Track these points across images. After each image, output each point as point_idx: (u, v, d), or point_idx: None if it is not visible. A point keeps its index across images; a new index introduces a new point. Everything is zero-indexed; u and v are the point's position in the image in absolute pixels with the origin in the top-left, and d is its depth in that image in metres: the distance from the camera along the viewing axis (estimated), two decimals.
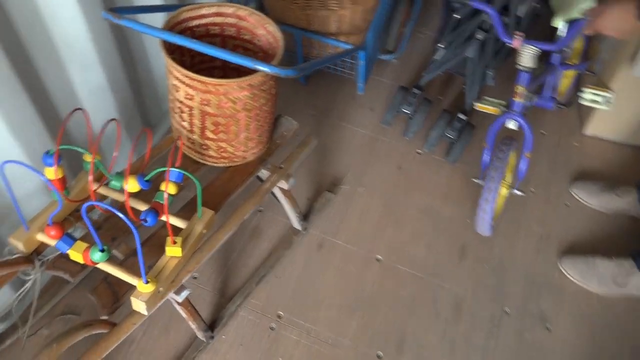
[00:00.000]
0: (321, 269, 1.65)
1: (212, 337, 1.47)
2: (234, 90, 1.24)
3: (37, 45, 1.29)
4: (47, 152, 1.16)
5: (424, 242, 1.73)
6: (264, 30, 1.40)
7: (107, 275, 1.20)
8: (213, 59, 1.48)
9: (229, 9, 1.39)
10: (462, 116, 1.86)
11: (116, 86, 1.56)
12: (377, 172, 1.89)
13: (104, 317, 1.17)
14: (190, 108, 1.30)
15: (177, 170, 1.19)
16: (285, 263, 1.66)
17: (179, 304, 1.30)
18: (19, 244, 1.20)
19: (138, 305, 1.14)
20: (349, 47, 1.77)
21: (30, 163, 1.31)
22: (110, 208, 1.00)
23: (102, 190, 1.31)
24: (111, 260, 1.16)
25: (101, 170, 1.27)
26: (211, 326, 1.49)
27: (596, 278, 1.61)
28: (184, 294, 1.27)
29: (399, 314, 1.57)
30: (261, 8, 1.93)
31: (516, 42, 1.46)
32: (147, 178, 1.20)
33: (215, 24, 1.43)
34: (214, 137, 1.36)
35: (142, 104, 1.75)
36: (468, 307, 1.58)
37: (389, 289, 1.62)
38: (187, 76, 1.23)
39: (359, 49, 1.74)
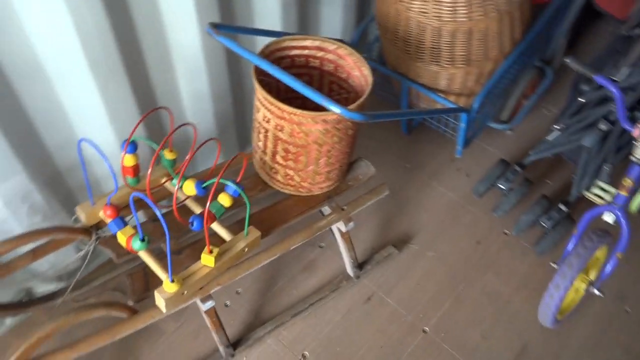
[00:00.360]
0: (362, 323, 1.58)
1: (232, 355, 1.47)
2: (308, 122, 1.26)
3: (151, 45, 1.41)
4: (125, 140, 1.26)
5: (481, 330, 1.58)
6: (359, 72, 1.40)
7: (147, 266, 1.27)
8: None
9: (331, 46, 1.42)
10: (562, 207, 1.69)
11: (218, 96, 1.65)
12: (453, 241, 1.78)
13: (130, 303, 1.22)
14: (266, 130, 1.34)
15: (233, 185, 1.23)
16: (327, 305, 1.61)
17: (205, 313, 1.33)
18: (82, 215, 1.31)
19: (159, 301, 1.18)
20: (451, 105, 1.71)
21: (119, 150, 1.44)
22: (149, 202, 1.05)
23: (169, 187, 1.39)
24: (150, 251, 1.22)
25: (169, 169, 1.36)
26: (235, 344, 1.49)
27: None
28: (209, 304, 1.29)
29: None
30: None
31: (638, 131, 1.31)
32: (204, 185, 1.25)
33: (316, 57, 1.46)
34: (283, 163, 1.38)
35: (240, 117, 1.83)
36: None
37: None
38: (266, 99, 1.27)
39: (460, 110, 1.67)
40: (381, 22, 1.74)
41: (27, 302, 1.50)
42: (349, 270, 1.64)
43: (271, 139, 1.34)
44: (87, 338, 1.16)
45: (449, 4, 1.53)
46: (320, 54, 1.45)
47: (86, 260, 1.32)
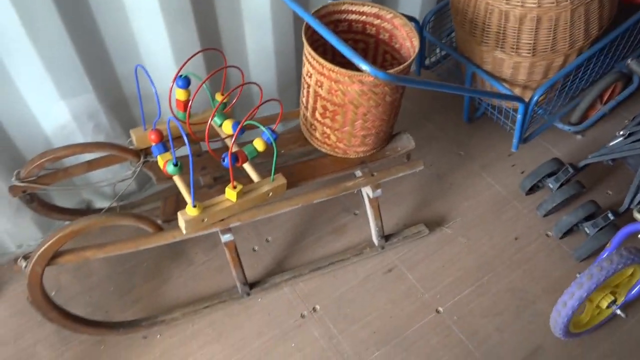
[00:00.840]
0: (377, 291, 1.61)
1: (248, 294, 1.57)
2: (345, 81, 1.30)
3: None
4: (180, 76, 1.37)
5: (497, 322, 1.54)
6: (410, 43, 1.42)
7: (180, 193, 1.38)
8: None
9: (388, 14, 1.44)
10: (611, 215, 1.60)
11: (282, 53, 1.73)
12: (489, 233, 1.74)
13: (158, 222, 1.35)
14: (309, 85, 1.40)
15: (268, 132, 1.30)
16: (348, 268, 1.66)
17: (224, 244, 1.42)
18: (134, 138, 1.45)
19: (181, 222, 1.29)
20: (508, 92, 1.66)
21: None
22: (179, 126, 1.16)
23: (215, 126, 1.49)
24: (183, 177, 1.33)
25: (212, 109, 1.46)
26: (252, 285, 1.58)
27: None
28: (227, 237, 1.38)
29: None
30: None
31: None
32: (239, 127, 1.33)
33: (372, 25, 1.49)
34: (321, 120, 1.43)
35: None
36: None
37: (431, 344, 1.50)
38: (310, 54, 1.32)
39: (516, 99, 1.62)
40: (454, 2, 1.73)
41: (84, 211, 1.70)
42: (374, 238, 1.66)
43: (312, 94, 1.40)
44: (115, 242, 1.30)
45: None
46: (377, 21, 1.48)
47: (132, 178, 1.47)
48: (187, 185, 1.31)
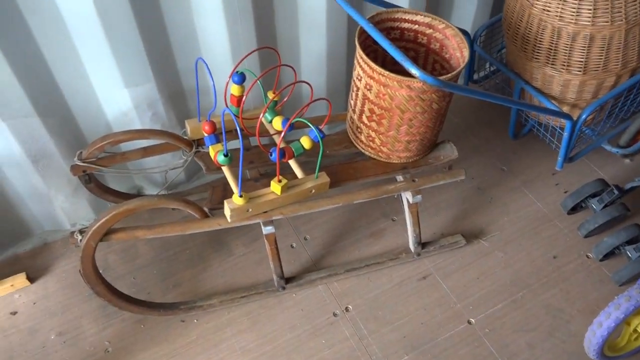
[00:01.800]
0: (410, 297, 1.62)
1: (283, 288, 1.61)
2: (394, 85, 1.34)
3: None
4: (237, 72, 1.44)
5: (529, 338, 1.54)
6: (460, 53, 1.44)
7: (228, 185, 1.45)
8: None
9: (440, 25, 1.48)
10: None
11: (333, 56, 1.78)
12: (527, 249, 1.73)
13: (205, 208, 1.41)
14: (358, 88, 1.44)
15: (316, 130, 1.34)
16: (383, 272, 1.68)
17: (265, 236, 1.47)
18: (188, 128, 1.53)
19: (227, 210, 1.35)
20: (555, 108, 1.66)
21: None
22: (234, 117, 1.22)
23: (265, 123, 1.55)
24: (232, 169, 1.40)
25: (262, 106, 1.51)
26: (288, 279, 1.63)
27: None
28: (269, 229, 1.43)
29: None
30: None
31: None
32: (289, 123, 1.38)
33: (424, 34, 1.53)
34: (367, 123, 1.47)
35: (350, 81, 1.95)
36: None
37: (460, 354, 1.51)
38: (361, 57, 1.37)
39: (563, 116, 1.61)
40: (506, 17, 1.74)
41: (135, 196, 1.78)
42: (411, 245, 1.68)
43: (360, 97, 1.45)
44: (163, 225, 1.37)
45: (573, 4, 1.50)
46: (429, 31, 1.51)
47: (184, 166, 1.54)
48: (235, 176, 1.37)
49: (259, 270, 1.70)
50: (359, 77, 1.42)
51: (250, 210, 1.36)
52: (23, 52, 1.33)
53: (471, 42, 1.84)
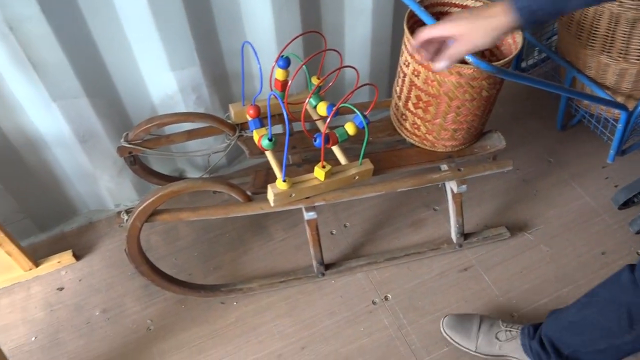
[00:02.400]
0: (450, 288, 1.60)
1: (323, 274, 1.61)
2: (443, 71, 1.30)
3: None
4: (282, 56, 1.43)
5: None
6: (512, 39, 1.40)
7: (271, 169, 1.45)
8: None
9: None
10: None
11: (378, 40, 1.75)
12: (575, 244, 1.68)
13: (248, 192, 1.41)
14: (405, 74, 1.41)
15: (361, 116, 1.32)
16: (423, 262, 1.66)
17: (306, 222, 1.47)
18: (232, 112, 1.53)
19: (270, 194, 1.34)
20: (609, 98, 1.59)
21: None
22: (283, 107, 1.21)
23: (310, 109, 1.54)
24: (275, 154, 1.39)
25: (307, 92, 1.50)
26: (328, 266, 1.62)
27: None
28: (311, 214, 1.42)
29: None
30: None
31: None
32: (335, 108, 1.36)
33: None
34: (413, 110, 1.44)
35: (394, 67, 1.90)
36: None
37: None
38: (409, 41, 1.34)
39: (618, 106, 1.55)
40: None
41: (178, 178, 1.80)
42: (453, 235, 1.65)
43: (407, 83, 1.42)
44: (207, 207, 1.38)
45: None
46: None
47: (227, 150, 1.55)
48: (279, 161, 1.36)
49: (298, 255, 1.70)
50: (406, 63, 1.39)
51: (294, 195, 1.35)
52: (74, 34, 1.35)
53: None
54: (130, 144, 1.49)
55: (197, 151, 1.69)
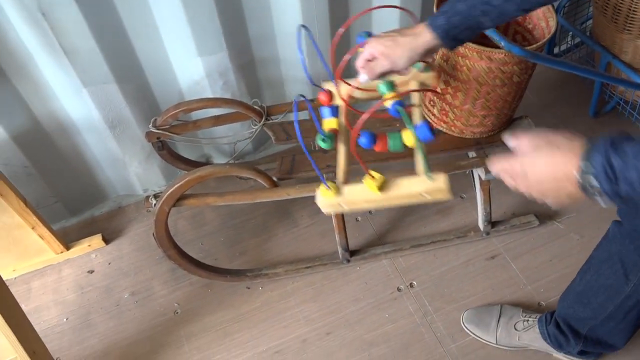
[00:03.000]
0: (477, 276, 1.58)
1: (348, 260, 1.61)
2: (473, 56, 1.28)
3: None
4: (363, 33, 1.13)
5: None
6: (545, 23, 1.36)
7: (296, 156, 1.45)
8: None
9: None
10: None
11: (406, 17, 1.73)
12: (605, 232, 1.64)
13: (274, 178, 1.42)
14: (433, 59, 1.39)
15: (425, 124, 1.06)
16: (449, 249, 1.64)
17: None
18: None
19: (318, 199, 1.07)
20: None
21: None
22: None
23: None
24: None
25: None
26: (353, 252, 1.62)
27: None
28: None
29: None
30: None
31: None
32: (397, 108, 1.07)
33: None
34: (441, 95, 1.42)
35: None
36: None
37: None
38: None
39: None
40: None
41: (205, 164, 1.81)
42: (480, 223, 1.63)
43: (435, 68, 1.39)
44: (233, 192, 1.39)
45: None
46: None
47: (253, 137, 1.55)
48: (342, 160, 1.12)
49: (323, 242, 1.70)
50: None
51: (345, 206, 1.07)
52: (104, 20, 1.37)
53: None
54: (158, 129, 1.51)
55: (224, 137, 1.70)
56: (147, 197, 1.38)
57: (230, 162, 1.75)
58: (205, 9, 1.41)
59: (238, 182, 1.84)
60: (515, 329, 1.41)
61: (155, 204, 1.35)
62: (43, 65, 1.39)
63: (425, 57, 1.03)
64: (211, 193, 1.39)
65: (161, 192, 1.36)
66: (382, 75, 1.08)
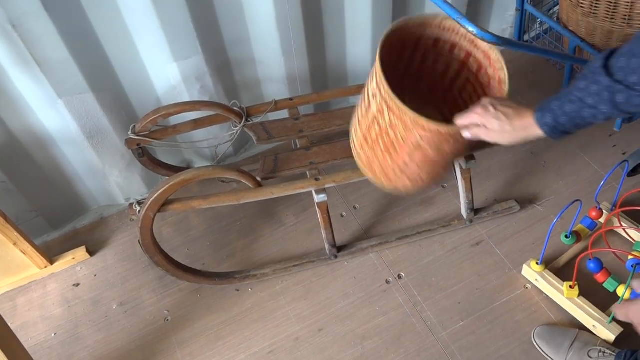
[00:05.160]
0: (463, 263, 1.60)
1: (335, 256, 1.62)
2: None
3: None
4: None
5: None
6: (498, 79, 1.20)
7: (279, 155, 1.45)
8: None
9: (484, 45, 1.20)
10: None
11: (378, 20, 1.75)
12: (585, 212, 1.68)
13: (258, 178, 1.42)
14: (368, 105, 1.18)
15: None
16: (434, 239, 1.66)
17: (317, 205, 1.47)
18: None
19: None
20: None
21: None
22: None
23: None
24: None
25: None
26: (340, 248, 1.63)
27: None
28: (322, 197, 1.42)
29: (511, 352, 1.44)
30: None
31: None
32: (634, 265, 1.41)
33: (466, 51, 1.26)
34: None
35: None
36: None
37: (517, 319, 1.48)
38: (379, 71, 1.08)
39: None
40: None
41: (185, 168, 1.81)
42: (463, 211, 1.66)
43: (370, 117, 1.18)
44: (218, 194, 1.39)
45: None
46: (472, 49, 1.24)
47: (233, 138, 1.55)
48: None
49: (310, 239, 1.70)
50: (374, 94, 1.13)
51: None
52: (76, 29, 1.36)
53: (522, 1, 1.77)
54: (137, 135, 1.50)
55: (204, 140, 1.69)
56: (131, 204, 1.37)
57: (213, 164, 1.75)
58: (178, 14, 1.41)
59: (220, 186, 1.83)
60: (589, 357, 1.35)
61: (139, 211, 1.34)
62: (15, 78, 1.38)
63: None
64: (196, 196, 1.39)
65: (145, 199, 1.35)
66: None
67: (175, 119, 1.60)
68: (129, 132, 1.50)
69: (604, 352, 1.34)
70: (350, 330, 1.51)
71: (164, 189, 1.30)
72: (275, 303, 1.58)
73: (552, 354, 1.40)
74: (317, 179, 1.39)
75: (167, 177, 1.69)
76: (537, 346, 1.43)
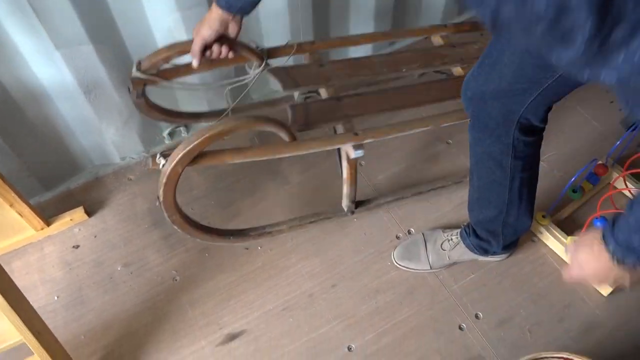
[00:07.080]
0: None
1: (352, 212, 1.59)
2: None
3: None
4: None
5: None
6: None
7: (313, 104, 1.38)
8: None
9: None
10: None
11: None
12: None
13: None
14: None
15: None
16: (444, 195, 1.67)
17: (348, 160, 1.40)
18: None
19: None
20: None
21: None
22: None
23: None
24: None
25: None
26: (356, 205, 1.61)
27: None
28: (359, 152, 1.33)
29: (513, 297, 1.48)
30: None
31: None
32: None
33: None
34: None
35: None
36: None
37: (525, 272, 1.52)
38: None
39: None
40: None
41: (185, 113, 1.68)
42: None
43: None
44: (252, 148, 1.29)
45: None
46: None
47: (253, 81, 1.44)
48: None
49: (317, 197, 1.69)
50: None
51: None
52: None
53: None
54: (145, 74, 1.33)
55: (221, 82, 1.57)
56: (153, 156, 1.24)
57: (228, 111, 1.60)
58: None
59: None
60: (443, 249, 1.50)
61: (163, 165, 1.22)
62: (11, 27, 1.27)
63: None
64: (228, 150, 1.28)
65: (169, 151, 1.23)
66: None
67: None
68: (134, 70, 1.35)
69: (451, 239, 1.50)
70: (364, 285, 1.52)
71: (199, 140, 1.18)
72: (286, 260, 1.57)
73: (418, 265, 1.51)
74: (356, 134, 1.34)
75: (166, 123, 1.54)
76: (404, 269, 1.52)
